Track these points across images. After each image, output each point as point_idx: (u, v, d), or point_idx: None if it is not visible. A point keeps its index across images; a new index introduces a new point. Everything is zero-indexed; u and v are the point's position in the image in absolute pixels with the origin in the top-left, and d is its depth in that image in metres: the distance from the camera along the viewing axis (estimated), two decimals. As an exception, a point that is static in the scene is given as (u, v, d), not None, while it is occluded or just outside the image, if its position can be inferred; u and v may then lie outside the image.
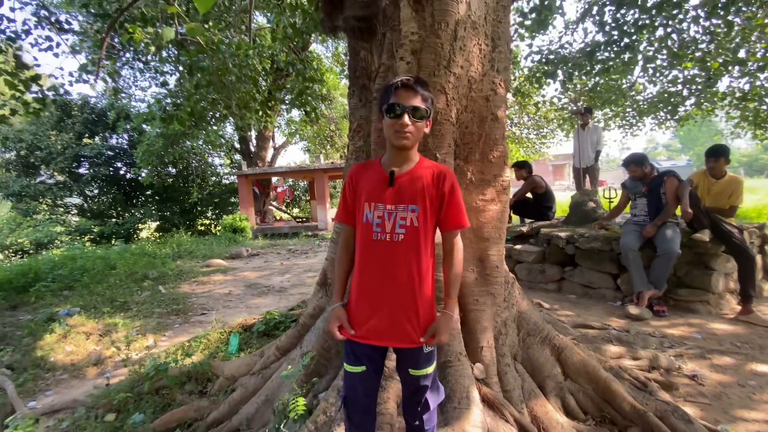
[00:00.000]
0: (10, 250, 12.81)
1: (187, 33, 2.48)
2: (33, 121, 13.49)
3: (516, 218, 5.97)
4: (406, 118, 1.31)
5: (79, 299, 5.57)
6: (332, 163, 14.84)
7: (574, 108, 8.06)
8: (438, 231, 1.46)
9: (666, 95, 8.41)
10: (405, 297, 1.36)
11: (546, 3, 5.59)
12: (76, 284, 6.26)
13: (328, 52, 14.83)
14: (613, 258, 4.15)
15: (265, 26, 9.08)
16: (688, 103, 8.51)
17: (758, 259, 4.10)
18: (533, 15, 5.75)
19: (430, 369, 1.43)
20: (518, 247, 4.93)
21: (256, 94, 6.10)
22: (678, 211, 3.84)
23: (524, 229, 5.09)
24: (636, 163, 3.98)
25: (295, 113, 16.11)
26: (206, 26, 5.68)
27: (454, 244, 1.44)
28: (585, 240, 4.29)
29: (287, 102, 12.22)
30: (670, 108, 8.86)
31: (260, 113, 6.75)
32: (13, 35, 4.88)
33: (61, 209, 15.63)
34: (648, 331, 3.30)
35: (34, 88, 4.95)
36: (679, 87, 7.89)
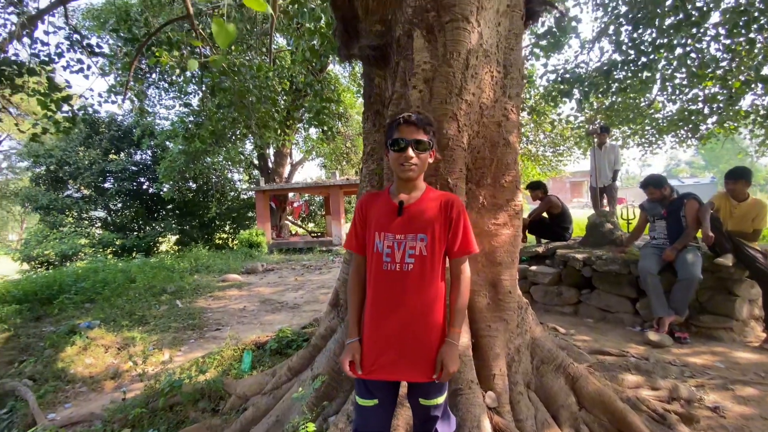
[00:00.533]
0: (37, 261, 13.27)
1: (211, 64, 2.61)
2: (63, 137, 14.11)
3: (532, 238, 5.90)
4: (410, 151, 1.38)
5: (100, 312, 5.72)
6: (347, 179, 15.02)
7: (590, 128, 7.99)
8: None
9: (686, 113, 8.25)
10: (416, 329, 1.38)
11: (561, 25, 5.63)
12: (98, 297, 6.44)
13: (345, 72, 15.16)
14: (632, 281, 4.06)
15: (284, 48, 9.38)
16: (709, 121, 8.32)
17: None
18: (548, 37, 5.80)
19: (441, 399, 1.43)
20: (533, 268, 4.86)
21: (275, 113, 6.28)
22: (699, 235, 3.74)
23: (540, 249, 5.03)
24: (655, 185, 3.91)
25: (313, 131, 16.45)
26: (229, 49, 5.93)
27: (461, 270, 1.45)
28: (603, 262, 4.20)
29: (305, 121, 12.51)
30: (690, 126, 8.68)
31: (279, 132, 6.93)
32: (46, 58, 5.17)
33: (86, 222, 16.17)
34: (668, 359, 3.19)
35: (65, 107, 5.22)
36: (700, 105, 7.75)
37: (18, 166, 21.68)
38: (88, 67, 6.03)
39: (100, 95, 8.10)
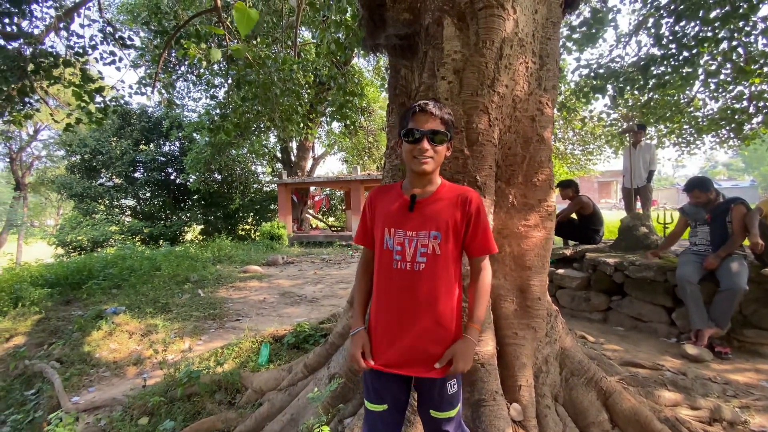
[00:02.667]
0: (70, 246, 13.84)
1: (233, 54, 2.57)
2: (96, 128, 14.64)
3: (558, 240, 5.66)
4: (425, 143, 1.27)
5: (126, 298, 5.87)
6: (368, 174, 14.97)
7: (625, 126, 7.62)
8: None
9: (729, 112, 7.78)
10: (427, 329, 1.29)
11: (598, 16, 5.35)
12: (124, 283, 6.62)
13: (369, 66, 15.08)
14: (668, 290, 3.81)
15: (309, 41, 9.36)
16: (754, 120, 7.81)
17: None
18: (583, 28, 5.52)
19: (453, 412, 1.33)
20: (560, 271, 4.66)
21: (298, 107, 6.26)
22: (745, 243, 3.47)
23: (567, 252, 4.81)
24: (701, 188, 3.64)
25: (335, 125, 16.46)
26: (254, 41, 5.93)
27: (482, 268, 1.36)
28: (636, 268, 3.97)
29: (328, 114, 12.51)
30: (734, 126, 8.17)
31: (302, 125, 6.92)
32: (81, 50, 5.29)
33: (117, 210, 16.77)
34: (708, 375, 2.97)
35: (98, 99, 5.35)
36: (745, 103, 7.27)
37: (56, 154, 22.67)
38: (120, 59, 6.16)
39: (131, 87, 8.31)
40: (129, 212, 17.26)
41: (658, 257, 3.99)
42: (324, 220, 20.71)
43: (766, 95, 6.71)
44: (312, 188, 18.77)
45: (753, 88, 6.77)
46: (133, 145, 16.02)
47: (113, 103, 5.88)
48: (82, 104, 5.21)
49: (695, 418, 2.23)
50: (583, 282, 4.46)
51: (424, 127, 1.27)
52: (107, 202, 16.35)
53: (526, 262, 2.07)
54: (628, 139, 6.62)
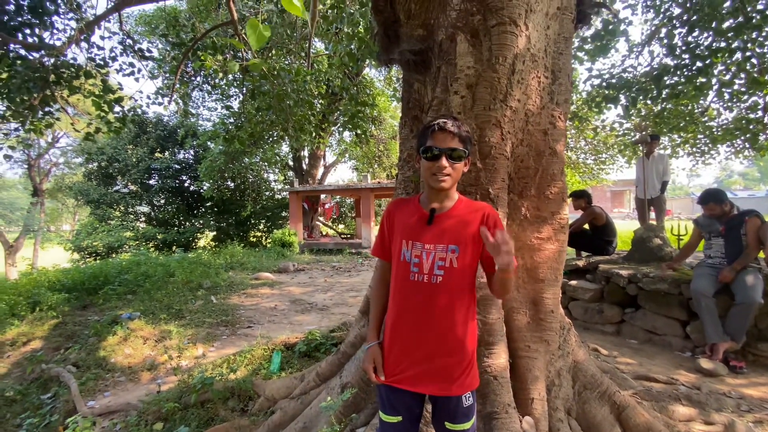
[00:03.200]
0: (86, 252, 14.12)
1: (250, 68, 2.65)
2: (113, 136, 15.01)
3: (571, 251, 5.62)
4: (444, 161, 1.30)
5: (140, 304, 5.97)
6: (378, 182, 15.04)
7: (638, 136, 7.56)
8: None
9: (744, 122, 7.68)
10: (443, 342, 1.31)
11: (609, 28, 5.36)
12: (139, 289, 6.73)
13: (380, 76, 15.23)
14: (682, 303, 3.76)
15: (322, 52, 9.53)
16: (769, 130, 7.71)
17: None
18: (595, 40, 5.54)
19: (468, 425, 1.35)
20: (573, 282, 4.62)
21: (311, 117, 6.36)
22: (761, 255, 3.42)
23: (580, 263, 4.78)
24: (715, 200, 3.61)
25: (346, 134, 16.62)
26: (270, 53, 6.06)
27: None
28: (650, 280, 3.93)
29: (339, 124, 12.64)
30: (748, 136, 8.06)
31: (314, 135, 7.01)
32: (101, 62, 5.46)
33: (132, 216, 17.09)
34: (723, 390, 2.92)
35: (117, 108, 5.50)
36: (760, 113, 7.18)
37: (73, 161, 23.22)
38: (139, 71, 6.34)
39: (148, 97, 8.53)
40: (143, 219, 17.57)
41: (672, 269, 3.95)
42: (334, 227, 20.81)
43: (782, 105, 6.63)
44: (322, 196, 18.93)
45: (767, 98, 6.69)
46: (149, 152, 16.37)
47: (131, 113, 6.04)
48: (102, 114, 5.36)
49: (711, 434, 2.20)
50: (596, 294, 4.42)
51: (443, 146, 1.30)
52: (122, 208, 16.69)
53: (539, 274, 2.08)
54: (641, 149, 6.57)
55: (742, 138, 8.43)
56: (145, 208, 17.74)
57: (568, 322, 2.23)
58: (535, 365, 1.93)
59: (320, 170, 18.04)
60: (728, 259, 3.54)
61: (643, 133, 7.25)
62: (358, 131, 7.24)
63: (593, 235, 5.19)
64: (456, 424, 1.33)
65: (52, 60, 4.74)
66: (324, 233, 19.43)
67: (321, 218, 19.06)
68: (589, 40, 5.66)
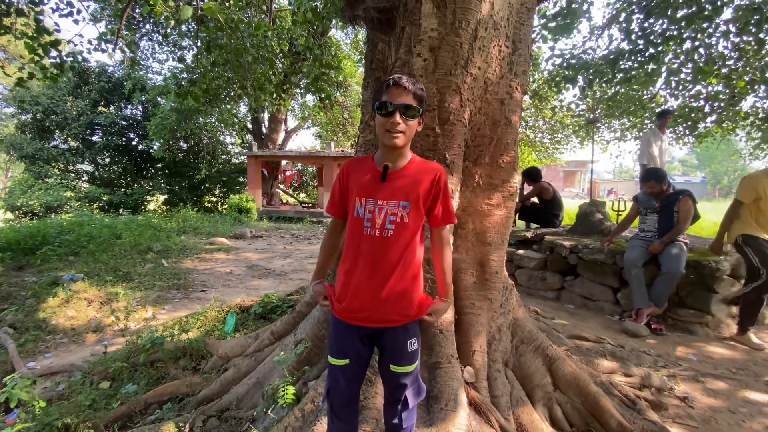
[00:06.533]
0: (21, 211, 13.02)
1: (205, 12, 2.47)
2: (50, 85, 13.59)
3: (521, 223, 5.92)
4: (398, 117, 1.32)
5: (84, 266, 5.66)
6: (342, 151, 14.81)
7: (591, 117, 7.88)
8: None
9: (687, 110, 8.23)
10: (392, 290, 1.38)
11: (573, 7, 5.46)
12: (82, 251, 6.37)
13: (347, 39, 14.69)
14: (616, 272, 4.12)
15: (285, 8, 9.01)
16: (708, 119, 8.32)
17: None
18: (558, 19, 5.63)
19: (411, 368, 1.45)
20: (520, 252, 4.91)
21: (271, 75, 6.07)
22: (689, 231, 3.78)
23: (528, 234, 5.06)
24: (656, 179, 3.91)
25: (309, 98, 16.06)
26: (227, 3, 5.64)
27: (443, 237, 1.48)
28: (589, 251, 4.25)
29: (302, 86, 12.16)
30: (690, 123, 8.67)
31: (274, 95, 6.73)
32: (34, -2, 4.86)
33: (72, 175, 15.82)
34: (643, 348, 3.29)
35: (53, 53, 4.97)
36: (701, 102, 7.71)
37: (4, 111, 20.93)
38: (78, 12, 5.71)
39: (89, 42, 7.72)
40: (86, 178, 16.32)
41: (610, 243, 4.25)
42: (295, 195, 20.42)
43: (720, 96, 7.14)
44: (283, 162, 18.40)
45: (710, 89, 7.17)
46: (91, 106, 15.01)
47: (70, 59, 5.48)
48: (36, 58, 4.83)
49: (628, 383, 2.48)
50: (540, 263, 4.72)
51: (397, 101, 1.32)
52: (62, 165, 15.38)
53: (487, 238, 2.19)
54: (656, 122, 6.39)
55: (684, 125, 9.06)
56: (88, 167, 16.46)
57: (510, 283, 2.39)
58: (479, 321, 2.07)
59: (281, 135, 17.41)
60: (660, 233, 3.88)
61: (594, 114, 7.49)
62: (322, 95, 7.04)
63: (541, 208, 5.49)
64: (400, 367, 1.43)
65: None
66: (284, 201, 19.04)
67: (281, 185, 18.61)
68: (552, 18, 5.74)
